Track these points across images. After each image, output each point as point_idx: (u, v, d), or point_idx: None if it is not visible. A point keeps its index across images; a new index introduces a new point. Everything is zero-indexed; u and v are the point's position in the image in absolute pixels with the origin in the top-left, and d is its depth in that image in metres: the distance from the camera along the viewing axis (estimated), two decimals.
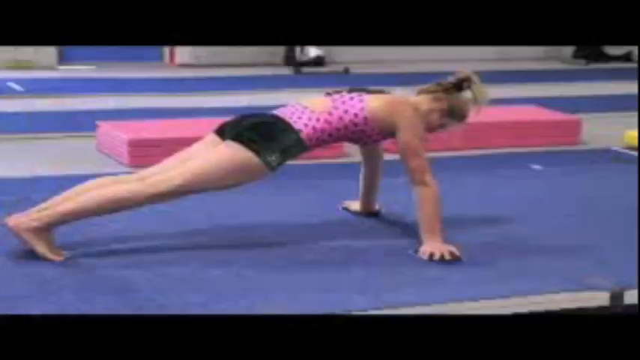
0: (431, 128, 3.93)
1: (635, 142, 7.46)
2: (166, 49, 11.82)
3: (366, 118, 3.83)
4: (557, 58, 13.16)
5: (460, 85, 3.95)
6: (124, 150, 6.61)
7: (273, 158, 3.69)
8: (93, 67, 11.09)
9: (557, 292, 3.39)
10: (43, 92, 9.37)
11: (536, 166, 6.48)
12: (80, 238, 3.75)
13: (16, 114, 8.26)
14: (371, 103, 3.84)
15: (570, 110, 8.38)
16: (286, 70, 11.41)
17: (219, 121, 8.09)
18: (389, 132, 3.86)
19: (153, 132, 6.87)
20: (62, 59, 11.19)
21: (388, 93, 3.99)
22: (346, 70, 11.44)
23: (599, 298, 3.40)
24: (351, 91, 3.93)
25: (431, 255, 3.66)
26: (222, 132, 3.83)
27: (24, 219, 3.58)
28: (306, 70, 11.34)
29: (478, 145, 7.24)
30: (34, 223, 3.56)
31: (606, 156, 7.20)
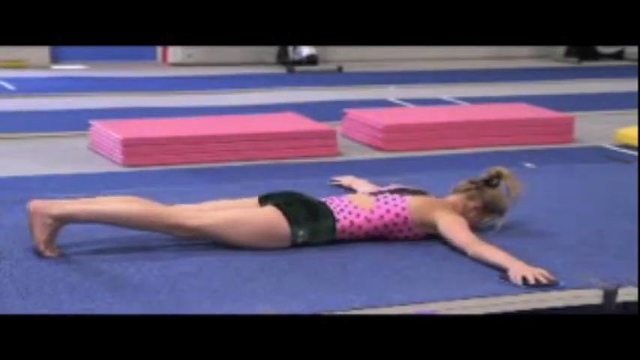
0: (473, 227, 3.93)
1: (628, 141, 7.48)
2: (159, 49, 11.82)
3: (406, 218, 3.89)
4: (549, 56, 13.19)
5: (490, 181, 4.02)
6: (118, 149, 6.61)
7: (301, 234, 3.76)
8: (86, 66, 11.09)
9: (550, 290, 3.40)
10: (36, 92, 9.36)
11: (529, 164, 6.49)
12: (74, 237, 3.74)
13: (8, 113, 8.25)
14: (412, 203, 3.91)
15: (563, 108, 8.40)
16: (279, 69, 11.41)
17: (212, 119, 8.10)
18: (428, 226, 3.89)
19: (146, 131, 6.87)
20: (55, 59, 11.18)
21: (428, 194, 4.05)
22: (339, 69, 11.45)
23: (592, 296, 3.41)
24: (393, 192, 3.99)
25: (524, 279, 3.47)
26: (265, 199, 3.90)
27: (45, 204, 3.61)
28: (299, 68, 11.34)
29: (471, 143, 7.25)
30: (55, 211, 3.58)
31: (599, 154, 7.21)
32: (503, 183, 4.02)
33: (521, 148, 7.30)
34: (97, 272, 3.48)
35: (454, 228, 3.83)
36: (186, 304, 3.18)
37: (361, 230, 3.88)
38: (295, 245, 3.77)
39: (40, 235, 3.57)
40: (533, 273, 3.47)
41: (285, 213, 3.76)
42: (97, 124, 7.03)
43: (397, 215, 3.88)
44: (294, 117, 7.59)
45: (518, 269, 3.50)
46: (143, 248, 3.72)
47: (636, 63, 12.79)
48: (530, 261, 3.64)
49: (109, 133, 6.77)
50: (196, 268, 3.54)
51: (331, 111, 8.17)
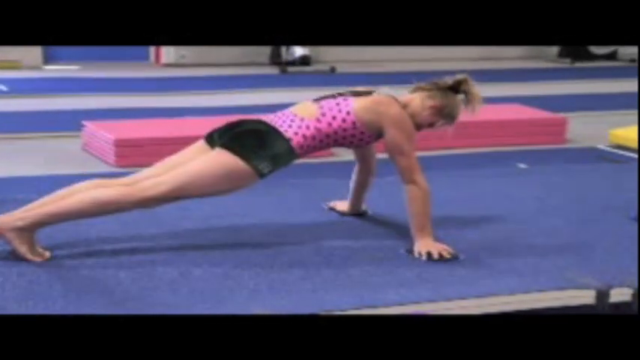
0: (420, 126, 3.93)
1: (621, 141, 7.49)
2: (152, 49, 11.81)
3: (354, 123, 3.84)
4: (542, 57, 13.20)
5: (456, 87, 3.95)
6: (110, 150, 6.60)
7: (263, 165, 3.70)
8: (78, 67, 11.07)
9: (543, 290, 3.40)
10: (29, 92, 9.35)
11: (522, 165, 6.50)
12: (65, 239, 3.73)
13: (1, 114, 8.24)
14: (356, 106, 3.84)
15: (556, 109, 8.40)
16: (272, 70, 11.41)
17: (205, 120, 8.10)
18: (377, 132, 3.86)
19: (139, 132, 6.86)
20: (48, 59, 11.16)
21: (374, 92, 3.98)
22: (332, 70, 11.44)
23: (585, 297, 3.41)
24: (336, 95, 3.92)
25: (429, 254, 3.67)
26: (211, 138, 3.83)
27: (8, 219, 3.56)
28: (292, 69, 11.34)
29: (464, 144, 7.25)
30: (19, 223, 3.54)
31: (592, 155, 7.22)
32: (466, 90, 3.94)
33: (514, 149, 7.30)
34: (86, 273, 3.46)
35: (398, 148, 3.80)
36: (179, 306, 3.17)
37: (316, 141, 3.82)
38: (263, 176, 3.72)
39: (20, 248, 3.54)
40: (436, 248, 3.70)
41: (236, 152, 3.68)
42: (89, 125, 7.02)
43: (344, 121, 3.83)
44: None
45: (423, 245, 3.71)
46: (131, 250, 3.71)
47: (629, 64, 12.83)
48: (519, 260, 3.65)
49: (102, 134, 6.76)
50: (189, 270, 3.53)
51: None
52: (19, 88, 9.53)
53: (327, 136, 3.84)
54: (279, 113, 3.88)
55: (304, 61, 11.53)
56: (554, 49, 13.14)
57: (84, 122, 7.09)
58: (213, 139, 3.81)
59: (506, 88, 10.38)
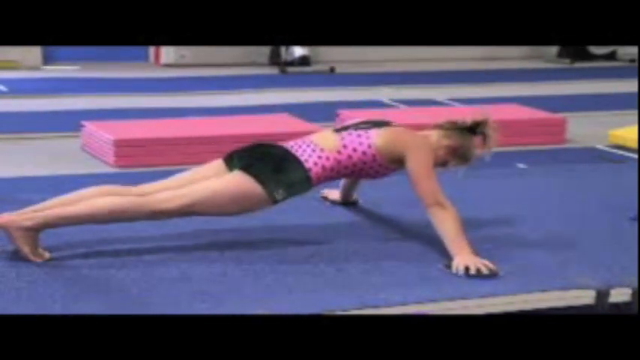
0: (435, 165, 3.91)
1: (620, 141, 7.50)
2: (151, 49, 11.81)
3: (374, 155, 3.85)
4: (542, 57, 13.20)
5: (474, 127, 3.95)
6: (109, 150, 6.60)
7: (279, 192, 3.72)
8: (78, 67, 11.07)
9: (542, 290, 3.40)
10: (28, 92, 9.35)
11: (522, 165, 6.50)
12: (65, 239, 3.73)
13: (0, 114, 8.24)
14: (377, 139, 3.85)
15: (555, 109, 8.41)
16: (272, 70, 11.41)
17: (204, 121, 8.09)
18: (398, 162, 3.85)
19: (138, 132, 6.87)
20: (47, 59, 11.17)
21: (395, 125, 4.00)
22: (332, 70, 11.45)
23: (585, 297, 3.41)
24: (357, 126, 3.93)
25: (466, 269, 3.53)
26: (230, 160, 3.84)
27: (16, 217, 3.56)
28: (291, 69, 11.34)
29: None
30: (27, 223, 3.54)
31: (591, 155, 7.22)
32: (484, 132, 3.95)
33: (513, 149, 7.30)
34: (86, 274, 3.46)
35: (421, 173, 3.77)
36: (180, 306, 3.17)
37: (334, 172, 3.84)
38: (276, 202, 3.73)
39: (23, 247, 3.53)
40: (475, 263, 3.53)
41: (254, 176, 3.70)
42: (88, 125, 7.02)
43: (364, 153, 3.84)
44: (288, 118, 7.58)
45: (461, 260, 3.55)
46: (131, 250, 3.71)
47: (629, 64, 12.84)
48: (519, 260, 3.65)
49: (101, 134, 6.76)
50: (189, 270, 3.52)
51: (324, 112, 8.17)
52: (18, 88, 9.54)
53: (346, 167, 3.86)
54: (299, 141, 3.89)
55: (304, 61, 11.54)
56: (554, 49, 13.15)
57: (83, 122, 7.10)
58: (233, 161, 3.83)
59: (505, 88, 10.39)
